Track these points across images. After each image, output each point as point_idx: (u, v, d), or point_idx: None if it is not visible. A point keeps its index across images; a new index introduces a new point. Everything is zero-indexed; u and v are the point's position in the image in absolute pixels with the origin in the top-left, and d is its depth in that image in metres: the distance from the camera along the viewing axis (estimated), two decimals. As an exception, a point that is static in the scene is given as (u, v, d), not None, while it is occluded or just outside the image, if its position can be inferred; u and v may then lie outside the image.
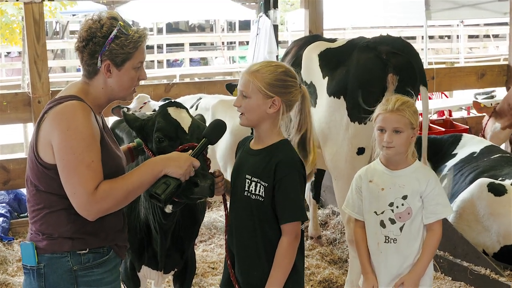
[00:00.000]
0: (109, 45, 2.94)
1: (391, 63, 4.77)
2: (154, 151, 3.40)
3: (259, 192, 3.13)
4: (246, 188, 3.17)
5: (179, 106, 3.48)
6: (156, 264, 3.87)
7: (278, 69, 3.17)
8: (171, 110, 3.43)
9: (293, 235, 3.12)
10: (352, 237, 4.79)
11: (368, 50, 4.89)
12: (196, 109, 5.87)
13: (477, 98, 12.43)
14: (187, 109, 3.52)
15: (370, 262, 3.65)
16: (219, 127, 3.24)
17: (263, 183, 3.11)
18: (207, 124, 3.76)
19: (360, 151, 4.94)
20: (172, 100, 3.56)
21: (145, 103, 6.38)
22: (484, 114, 8.36)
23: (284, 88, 3.15)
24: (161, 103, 6.49)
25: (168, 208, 3.45)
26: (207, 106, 5.78)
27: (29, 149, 2.99)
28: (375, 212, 3.59)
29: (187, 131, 3.35)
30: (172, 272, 4.01)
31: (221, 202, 7.44)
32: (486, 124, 8.16)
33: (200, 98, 6.10)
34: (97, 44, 2.95)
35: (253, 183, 3.14)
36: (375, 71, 4.79)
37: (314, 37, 5.98)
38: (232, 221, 3.27)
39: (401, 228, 3.54)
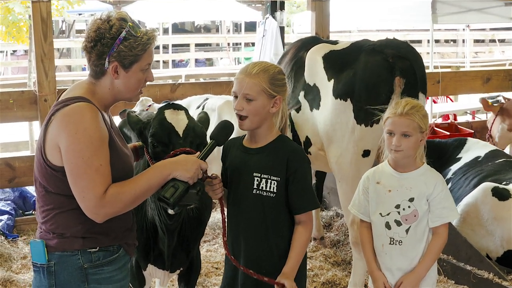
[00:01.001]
0: (118, 46, 2.93)
1: (398, 66, 4.79)
2: (151, 155, 3.41)
3: (270, 188, 3.18)
4: (255, 186, 3.20)
5: (177, 107, 3.46)
6: (162, 263, 3.88)
7: (276, 69, 3.27)
8: (168, 113, 3.42)
9: (311, 222, 3.28)
10: (356, 239, 4.88)
11: (375, 53, 4.91)
12: (203, 109, 5.89)
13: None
14: (186, 110, 3.49)
15: (376, 261, 3.66)
16: (226, 128, 3.24)
17: (274, 178, 3.18)
18: (211, 122, 3.77)
19: (366, 153, 4.96)
20: (171, 102, 3.56)
21: (149, 105, 6.41)
22: (490, 112, 8.35)
23: (282, 86, 3.26)
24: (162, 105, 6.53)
25: (171, 210, 3.45)
26: (213, 107, 5.79)
27: (36, 151, 2.98)
28: (380, 214, 3.60)
29: (180, 135, 3.35)
30: (178, 271, 4.03)
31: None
32: (492, 123, 8.15)
33: (207, 99, 6.11)
34: (106, 45, 2.93)
35: (263, 180, 3.19)
36: (383, 74, 4.82)
37: (312, 39, 5.98)
38: (240, 221, 3.27)
39: (407, 231, 3.55)
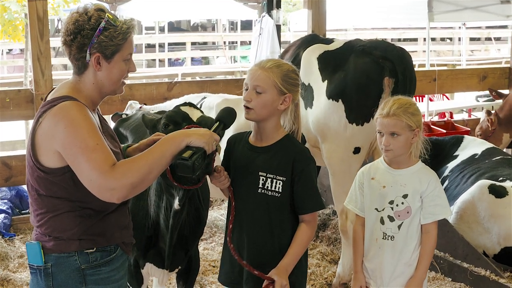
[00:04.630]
0: (98, 37, 2.88)
1: (387, 67, 4.93)
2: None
3: (275, 188, 3.19)
4: (261, 186, 3.21)
5: (193, 106, 3.47)
6: (161, 262, 3.87)
7: (290, 67, 3.28)
8: (183, 107, 3.43)
9: (315, 222, 3.28)
10: (343, 227, 5.20)
11: (364, 55, 5.05)
12: (200, 107, 5.91)
13: (478, 101, 12.46)
14: (201, 111, 3.49)
15: (362, 262, 3.71)
16: (231, 113, 3.23)
17: (280, 178, 3.19)
18: None
19: (356, 150, 5.11)
20: (188, 102, 3.57)
21: (140, 107, 6.42)
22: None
23: (295, 86, 3.26)
24: (154, 106, 6.55)
25: (176, 204, 3.43)
26: (211, 105, 5.81)
27: (27, 155, 2.93)
28: (376, 209, 3.63)
29: (194, 121, 3.32)
30: (176, 270, 4.03)
31: (222, 200, 7.49)
32: (490, 134, 8.10)
33: (205, 97, 6.13)
34: (86, 37, 2.88)
35: (269, 180, 3.20)
36: (372, 75, 4.96)
37: (311, 36, 6.03)
38: (244, 219, 3.27)
39: (399, 226, 3.58)
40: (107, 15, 2.92)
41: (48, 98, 2.96)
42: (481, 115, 8.48)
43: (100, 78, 2.97)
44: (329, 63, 5.22)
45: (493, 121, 8.09)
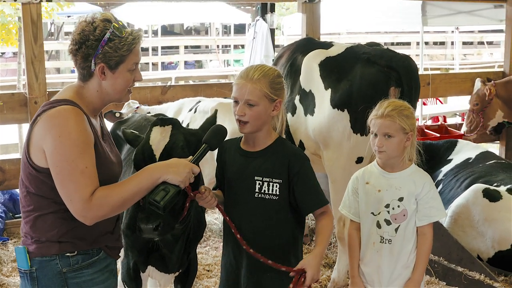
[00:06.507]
0: (103, 48, 2.92)
1: (393, 76, 4.94)
2: None
3: (272, 191, 3.19)
4: (257, 190, 3.21)
5: (165, 123, 3.38)
6: (163, 266, 3.86)
7: (275, 72, 3.27)
8: (153, 132, 3.35)
9: (331, 212, 3.29)
10: (341, 233, 5.24)
11: (370, 64, 5.03)
12: (195, 112, 5.90)
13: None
14: (174, 124, 3.40)
15: (358, 266, 3.72)
16: (220, 133, 3.23)
17: (276, 181, 3.19)
18: None
19: (359, 160, 5.10)
20: (160, 117, 3.47)
21: (137, 107, 6.41)
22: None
23: (282, 90, 3.27)
24: (150, 107, 6.52)
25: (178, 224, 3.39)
26: (206, 109, 5.80)
27: (22, 150, 2.97)
28: (372, 213, 3.64)
29: (157, 158, 3.26)
30: (177, 273, 4.01)
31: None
32: (487, 105, 8.06)
33: (199, 101, 6.12)
34: (90, 47, 2.93)
35: (265, 183, 3.20)
36: (378, 85, 4.96)
37: (306, 40, 6.00)
38: (242, 225, 3.25)
39: (396, 229, 3.60)
40: (113, 25, 2.95)
41: (51, 99, 3.00)
42: (476, 83, 8.38)
43: (105, 87, 3.01)
44: (332, 71, 5.18)
45: (491, 91, 8.03)
